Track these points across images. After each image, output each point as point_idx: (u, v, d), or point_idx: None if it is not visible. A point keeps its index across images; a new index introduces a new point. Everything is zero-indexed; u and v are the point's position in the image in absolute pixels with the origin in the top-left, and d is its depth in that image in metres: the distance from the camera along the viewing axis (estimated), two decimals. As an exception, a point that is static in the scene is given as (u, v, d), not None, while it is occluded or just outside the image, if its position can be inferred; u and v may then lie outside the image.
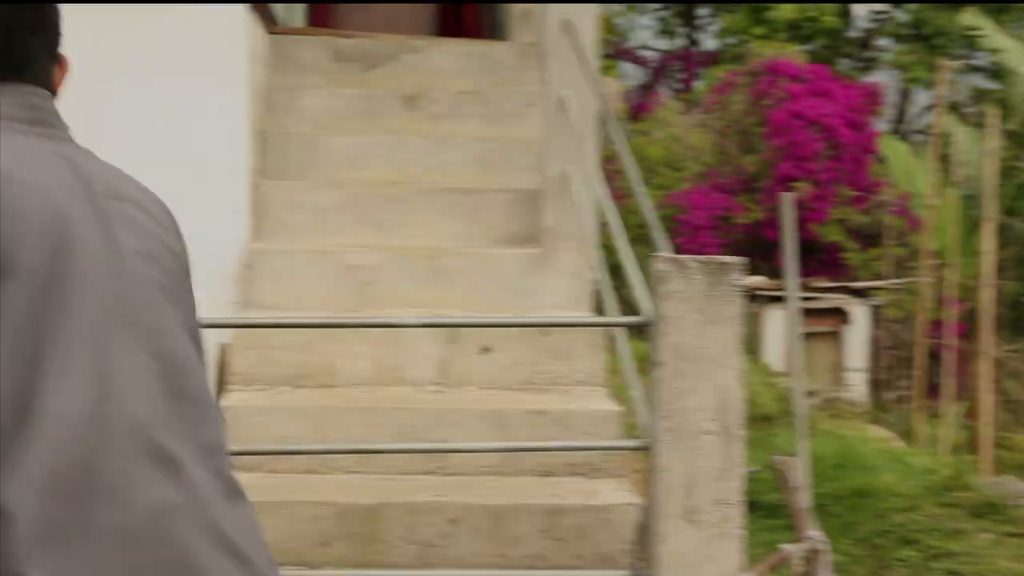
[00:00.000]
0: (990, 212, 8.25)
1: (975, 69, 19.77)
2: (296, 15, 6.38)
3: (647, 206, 2.85)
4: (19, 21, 1.39)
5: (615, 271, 3.51)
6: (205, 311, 4.27)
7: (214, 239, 4.15)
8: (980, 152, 9.61)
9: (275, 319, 3.49)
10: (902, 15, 19.77)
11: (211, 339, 4.05)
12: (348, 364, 3.68)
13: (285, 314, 3.87)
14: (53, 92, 1.42)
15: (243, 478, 3.38)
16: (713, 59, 20.08)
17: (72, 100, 4.21)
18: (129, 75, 4.14)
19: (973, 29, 12.12)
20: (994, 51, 11.87)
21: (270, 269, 3.91)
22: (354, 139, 4.60)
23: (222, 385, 3.96)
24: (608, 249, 3.81)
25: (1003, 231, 10.45)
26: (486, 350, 3.73)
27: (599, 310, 4.31)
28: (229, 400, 3.51)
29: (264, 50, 4.74)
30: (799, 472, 4.12)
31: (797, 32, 18.29)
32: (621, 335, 3.59)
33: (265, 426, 3.38)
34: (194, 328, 1.34)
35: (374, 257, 3.95)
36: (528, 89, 5.05)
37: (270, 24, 5.11)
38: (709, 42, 22.22)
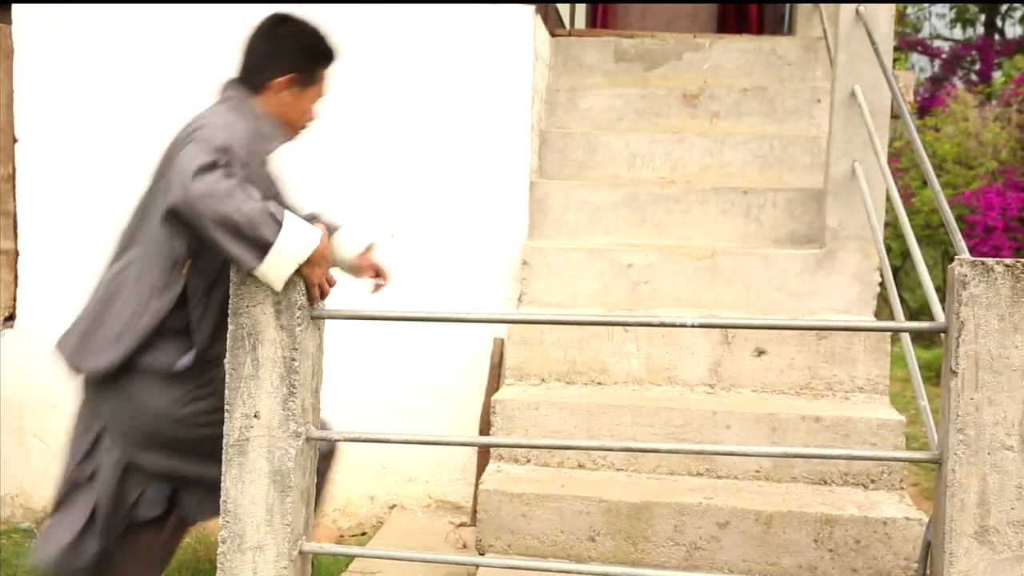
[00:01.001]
0: None
1: None
2: (579, 16, 6.50)
3: (944, 204, 2.68)
4: (258, 47, 2.68)
5: (895, 274, 3.33)
6: (485, 306, 4.45)
7: (494, 237, 4.32)
8: None
9: (550, 315, 3.57)
10: None
11: (488, 333, 4.22)
12: (619, 362, 3.72)
13: (560, 310, 3.96)
14: (260, 91, 2.69)
15: (515, 470, 3.53)
16: (1017, 47, 18.61)
17: (361, 96, 4.48)
18: (415, 74, 4.38)
19: None
20: None
21: (546, 266, 4.01)
22: (632, 138, 4.63)
23: (498, 378, 4.11)
24: (888, 251, 3.60)
25: None
26: (761, 352, 3.66)
27: (881, 314, 4.12)
28: (503, 393, 3.63)
29: (547, 51, 4.86)
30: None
31: (1116, 16, 16.59)
32: (908, 340, 3.41)
33: (537, 420, 3.47)
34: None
35: (648, 256, 3.96)
36: (813, 85, 4.90)
37: (554, 26, 5.23)
38: (1012, 29, 20.60)
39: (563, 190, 4.37)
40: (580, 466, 3.44)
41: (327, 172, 4.43)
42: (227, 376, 2.42)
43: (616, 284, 3.97)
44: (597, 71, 5.12)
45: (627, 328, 3.73)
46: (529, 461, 3.46)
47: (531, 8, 4.31)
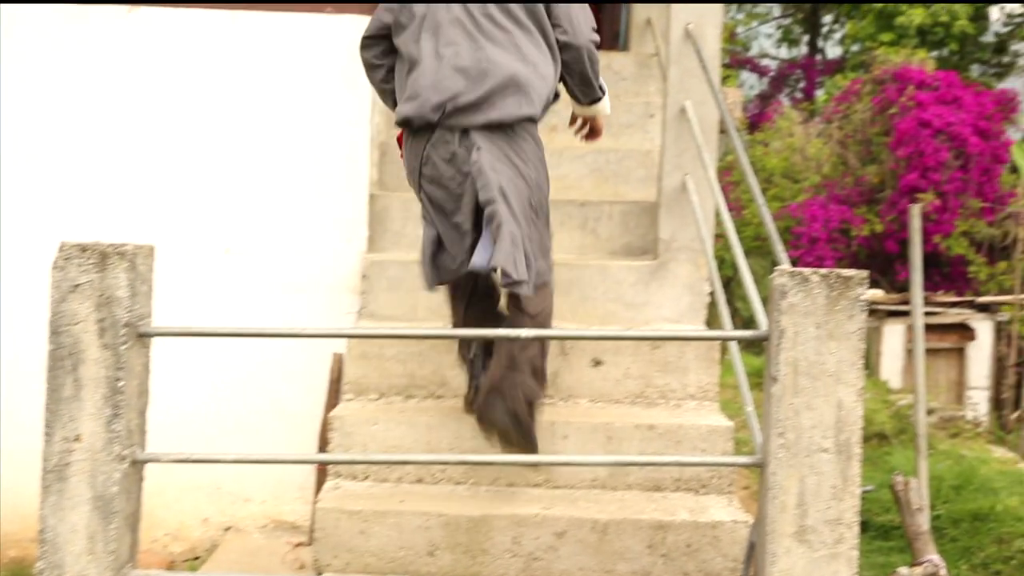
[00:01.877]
0: None
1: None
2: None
3: (768, 217, 2.79)
4: None
5: (728, 284, 3.46)
6: (324, 320, 4.37)
7: (333, 250, 4.27)
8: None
9: (389, 330, 3.54)
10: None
11: (327, 348, 4.15)
12: (459, 375, 3.71)
13: (399, 324, 3.93)
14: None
15: (353, 486, 3.46)
16: (836, 67, 19.64)
17: (194, 105, 4.35)
18: (252, 85, 4.28)
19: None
20: None
21: (386, 279, 3.98)
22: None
23: (337, 394, 4.05)
24: (722, 262, 3.75)
25: None
26: (598, 363, 3.72)
27: (713, 323, 4.26)
28: (341, 409, 3.58)
29: (384, 63, 4.83)
30: (919, 493, 3.99)
31: (927, 38, 17.72)
32: (735, 349, 3.54)
33: (376, 435, 3.43)
34: None
35: (488, 267, 3.97)
36: (647, 100, 5.03)
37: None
38: (832, 50, 21.72)
39: (403, 202, 4.34)
40: (419, 481, 3.42)
41: (162, 181, 4.29)
42: (46, 398, 2.30)
43: (455, 296, 3.96)
44: (436, 83, 5.12)
45: (466, 340, 3.73)
46: (368, 477, 3.42)
47: (368, 17, 4.27)
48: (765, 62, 21.86)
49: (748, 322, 12.86)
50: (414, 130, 3.08)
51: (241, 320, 4.06)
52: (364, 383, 3.72)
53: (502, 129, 2.99)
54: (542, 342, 3.13)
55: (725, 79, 18.65)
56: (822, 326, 2.26)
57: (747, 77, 21.41)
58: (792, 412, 2.25)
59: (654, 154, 4.61)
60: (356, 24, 4.25)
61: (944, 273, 13.03)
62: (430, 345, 3.73)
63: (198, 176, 4.28)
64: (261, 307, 4.23)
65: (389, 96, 3.28)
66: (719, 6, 4.01)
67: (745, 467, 2.73)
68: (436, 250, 3.17)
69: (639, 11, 5.59)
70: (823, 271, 2.27)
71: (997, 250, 12.53)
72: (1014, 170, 12.37)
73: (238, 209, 4.29)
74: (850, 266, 13.30)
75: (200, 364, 4.24)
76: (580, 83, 3.22)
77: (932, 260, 12.92)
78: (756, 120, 17.85)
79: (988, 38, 20.25)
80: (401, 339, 3.67)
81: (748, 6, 22.00)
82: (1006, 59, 20.51)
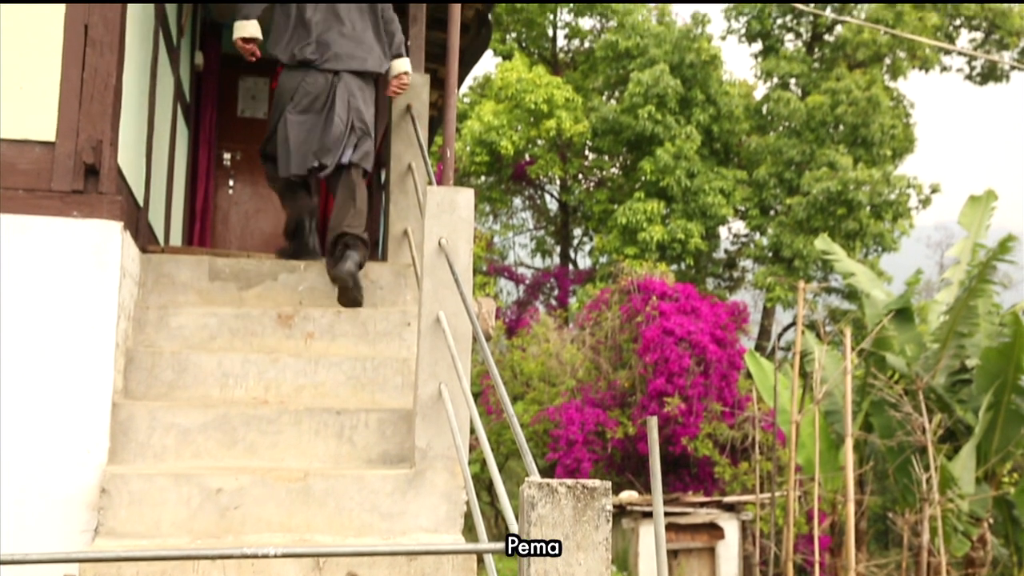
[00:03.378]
0: (849, 428, 8.55)
1: (831, 290, 21.02)
2: (176, 232, 6.42)
3: (516, 428, 2.87)
4: None
5: (490, 488, 3.49)
6: (58, 540, 4.02)
7: (69, 463, 3.99)
8: (838, 370, 10.06)
9: (125, 551, 3.31)
10: (763, 239, 20.94)
11: (58, 573, 3.82)
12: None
13: (141, 542, 3.69)
14: None
15: None
16: (587, 277, 20.82)
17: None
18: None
19: (827, 253, 12.91)
20: (846, 274, 12.62)
21: (128, 494, 3.75)
22: (226, 358, 4.55)
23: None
24: (483, 466, 3.78)
25: (863, 447, 10.84)
26: (353, 577, 3.61)
27: (471, 530, 4.25)
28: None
29: (136, 268, 4.73)
30: None
31: (666, 252, 19.19)
32: (491, 558, 3.53)
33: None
34: None
35: (240, 480, 3.84)
36: (403, 309, 5.13)
37: (146, 242, 5.12)
38: (583, 260, 23.08)
39: (149, 411, 4.17)
40: None
41: None
42: None
43: (204, 510, 3.79)
44: (191, 289, 5.04)
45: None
46: None
47: (119, 224, 4.18)
48: (521, 270, 22.92)
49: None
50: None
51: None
52: (98, 610, 3.44)
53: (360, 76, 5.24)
54: (365, 218, 5.17)
55: (483, 285, 19.38)
56: (570, 537, 2.31)
57: (505, 284, 22.32)
58: (544, 625, 2.26)
59: (411, 362, 4.67)
60: (103, 229, 4.15)
61: (693, 474, 13.67)
62: (173, 564, 3.51)
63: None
64: (-16, 527, 3.86)
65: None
66: (471, 222, 4.22)
67: None
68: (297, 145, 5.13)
69: (396, 223, 5.78)
70: (569, 482, 2.34)
71: (739, 451, 13.31)
72: (749, 376, 13.33)
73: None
74: (607, 468, 13.78)
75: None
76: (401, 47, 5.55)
77: (682, 461, 13.54)
78: (514, 326, 18.51)
79: (719, 255, 22.18)
80: (140, 561, 3.43)
81: (503, 218, 23.18)
82: (736, 274, 22.46)
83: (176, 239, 6.47)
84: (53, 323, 4.09)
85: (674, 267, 19.07)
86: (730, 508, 11.91)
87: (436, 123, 8.63)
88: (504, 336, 17.36)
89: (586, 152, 22.04)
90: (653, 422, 3.23)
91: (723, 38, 22.74)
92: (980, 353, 10.51)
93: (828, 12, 21.63)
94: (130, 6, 4.47)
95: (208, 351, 4.64)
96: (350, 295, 4.91)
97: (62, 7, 4.21)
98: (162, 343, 4.70)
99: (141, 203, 5.07)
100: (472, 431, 3.95)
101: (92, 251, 4.15)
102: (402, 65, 5.48)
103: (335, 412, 4.32)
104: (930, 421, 9.53)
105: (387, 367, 4.69)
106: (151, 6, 5.20)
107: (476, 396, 14.58)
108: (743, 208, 20.82)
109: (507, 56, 21.87)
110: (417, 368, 4.10)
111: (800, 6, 20.99)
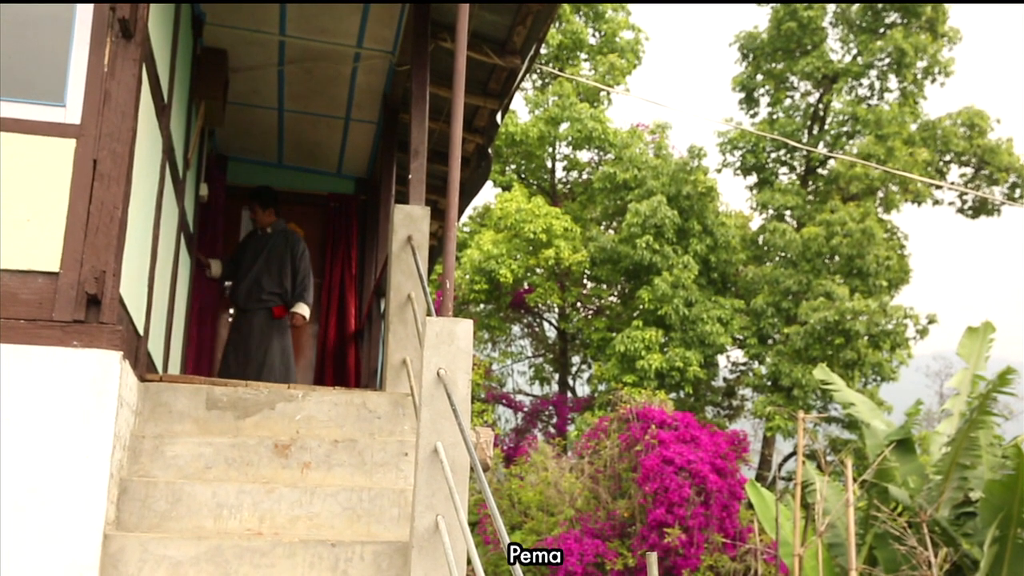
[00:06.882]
0: (853, 562, 8.39)
1: (831, 420, 20.91)
2: (175, 360, 6.43)
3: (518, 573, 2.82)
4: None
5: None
6: None
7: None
8: (840, 501, 9.93)
9: None
10: (762, 368, 20.93)
11: None
12: None
13: None
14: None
15: None
16: (586, 405, 20.72)
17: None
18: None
19: (826, 383, 12.88)
20: (846, 404, 12.57)
21: (116, 629, 3.67)
22: (220, 488, 4.50)
23: None
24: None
25: (868, 581, 10.60)
26: None
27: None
28: None
29: (134, 397, 4.72)
30: None
31: (665, 380, 19.14)
32: None
33: None
34: None
35: (230, 615, 3.75)
36: (401, 439, 5.10)
37: (144, 370, 5.12)
38: (582, 388, 23.00)
39: (141, 543, 4.10)
40: None
41: None
42: None
43: (193, 648, 3.69)
44: (187, 418, 5.02)
45: None
46: None
47: (118, 354, 4.20)
48: (519, 398, 22.81)
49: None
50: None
51: None
52: None
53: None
54: None
55: (481, 412, 19.28)
56: None
57: (503, 411, 22.19)
58: None
59: (408, 493, 4.63)
60: (102, 359, 4.16)
61: (695, 607, 13.31)
62: None
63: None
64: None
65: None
66: (470, 353, 4.24)
67: None
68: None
69: (395, 352, 5.80)
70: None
71: (740, 584, 13.00)
72: (750, 506, 13.14)
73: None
74: (604, 602, 13.39)
75: None
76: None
77: (682, 595, 13.21)
78: (512, 454, 18.34)
79: (718, 383, 22.12)
80: None
81: (502, 345, 23.20)
82: (735, 402, 22.36)
83: (175, 366, 6.48)
84: (49, 453, 4.06)
85: (673, 395, 19.00)
86: (734, 645, 11.57)
87: (436, 252, 8.76)
88: (502, 464, 17.18)
89: (584, 281, 22.21)
90: (653, 558, 3.18)
91: (719, 171, 23.20)
92: (984, 486, 10.39)
93: (821, 147, 22.14)
94: (138, 140, 4.58)
95: (203, 481, 4.59)
96: None
97: (72, 141, 4.32)
98: (157, 473, 4.66)
99: (141, 331, 5.10)
100: (469, 562, 3.89)
101: (90, 381, 4.15)
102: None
103: (330, 545, 4.25)
104: (935, 555, 9.36)
105: (383, 498, 4.64)
106: (159, 140, 5.34)
107: (473, 526, 14.36)
108: (741, 337, 20.87)
109: (507, 187, 22.27)
110: (414, 500, 4.05)
111: (793, 142, 21.51)
